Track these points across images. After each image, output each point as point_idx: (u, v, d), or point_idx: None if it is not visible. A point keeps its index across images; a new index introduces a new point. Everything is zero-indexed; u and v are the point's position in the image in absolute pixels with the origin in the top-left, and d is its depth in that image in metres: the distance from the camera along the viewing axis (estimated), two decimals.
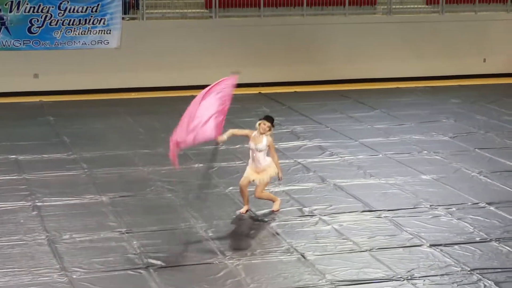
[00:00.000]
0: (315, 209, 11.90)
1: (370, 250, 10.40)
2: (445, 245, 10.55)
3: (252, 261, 10.04)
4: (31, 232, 10.90)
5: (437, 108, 19.23)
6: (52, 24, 19.33)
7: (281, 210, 11.81)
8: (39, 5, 19.18)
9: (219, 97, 11.17)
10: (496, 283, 9.45)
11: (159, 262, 9.95)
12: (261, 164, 11.51)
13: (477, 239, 10.80)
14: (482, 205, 12.17)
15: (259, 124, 11.55)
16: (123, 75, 20.94)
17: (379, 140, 16.05)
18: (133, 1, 21.18)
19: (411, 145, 15.67)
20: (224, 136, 11.28)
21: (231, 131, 11.56)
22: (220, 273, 9.66)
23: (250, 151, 11.63)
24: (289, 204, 12.10)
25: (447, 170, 13.98)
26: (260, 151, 11.49)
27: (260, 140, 11.50)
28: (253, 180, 11.59)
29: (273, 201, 11.90)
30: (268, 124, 11.53)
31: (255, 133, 11.55)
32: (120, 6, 19.83)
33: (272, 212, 11.75)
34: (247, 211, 11.73)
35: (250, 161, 11.70)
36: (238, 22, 21.91)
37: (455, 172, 13.89)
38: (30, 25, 19.19)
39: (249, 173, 11.61)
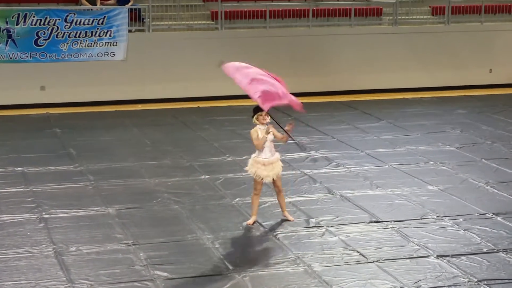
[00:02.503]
0: (322, 220, 11.89)
1: (377, 261, 10.38)
2: (452, 256, 10.53)
3: (259, 273, 10.03)
4: (38, 244, 10.91)
5: (443, 118, 19.22)
6: (58, 36, 19.39)
7: (287, 221, 11.82)
8: (46, 18, 19.24)
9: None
10: None
11: (165, 274, 9.94)
12: (274, 153, 11.50)
13: (484, 249, 10.77)
14: (489, 215, 12.14)
15: (257, 118, 11.50)
16: (129, 87, 20.98)
17: (385, 151, 16.03)
18: (136, 12, 21.13)
19: (418, 155, 15.65)
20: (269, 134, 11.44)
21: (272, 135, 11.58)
22: (227, 285, 9.65)
23: (267, 144, 11.47)
24: (295, 215, 12.07)
25: (453, 181, 13.96)
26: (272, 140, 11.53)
27: (268, 129, 11.44)
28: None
29: (282, 209, 11.85)
30: (263, 113, 11.42)
31: (261, 128, 11.47)
32: (126, 19, 19.89)
33: (287, 221, 11.75)
34: (254, 222, 11.72)
35: (263, 155, 11.44)
36: (244, 33, 21.94)
37: (462, 183, 13.87)
38: (36, 37, 19.25)
39: (262, 172, 11.42)
